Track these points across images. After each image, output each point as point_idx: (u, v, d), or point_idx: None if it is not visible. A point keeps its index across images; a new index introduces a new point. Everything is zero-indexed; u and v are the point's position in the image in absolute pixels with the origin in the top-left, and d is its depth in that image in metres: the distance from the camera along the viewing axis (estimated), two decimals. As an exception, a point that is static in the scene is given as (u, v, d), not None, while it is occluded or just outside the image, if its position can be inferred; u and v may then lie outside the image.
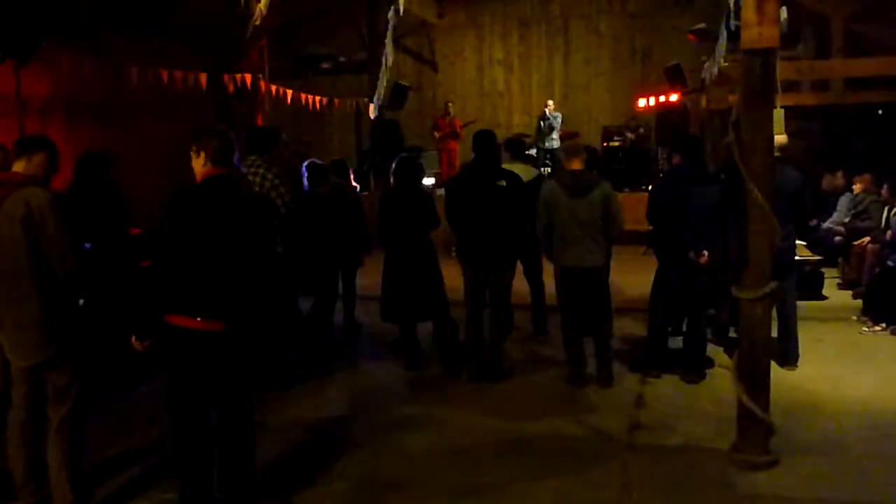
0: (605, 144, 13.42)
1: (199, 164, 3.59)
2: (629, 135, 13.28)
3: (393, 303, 6.16)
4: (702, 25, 11.47)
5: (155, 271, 3.64)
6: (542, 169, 12.53)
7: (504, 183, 5.71)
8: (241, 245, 3.52)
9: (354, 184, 8.41)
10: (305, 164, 6.84)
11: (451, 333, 6.23)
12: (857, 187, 9.06)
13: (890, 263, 7.25)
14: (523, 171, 6.52)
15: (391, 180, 6.25)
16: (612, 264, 5.97)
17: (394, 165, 6.23)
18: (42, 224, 3.57)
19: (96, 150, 5.86)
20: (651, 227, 6.04)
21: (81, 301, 3.94)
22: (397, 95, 13.32)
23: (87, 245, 4.56)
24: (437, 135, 14.17)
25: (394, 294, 6.13)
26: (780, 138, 5.36)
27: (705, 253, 5.49)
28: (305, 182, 6.73)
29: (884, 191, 8.52)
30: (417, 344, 6.29)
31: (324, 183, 6.65)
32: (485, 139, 5.89)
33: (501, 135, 14.89)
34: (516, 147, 7.15)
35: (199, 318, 3.45)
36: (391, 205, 6.12)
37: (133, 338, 3.54)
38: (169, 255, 3.52)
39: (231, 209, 3.54)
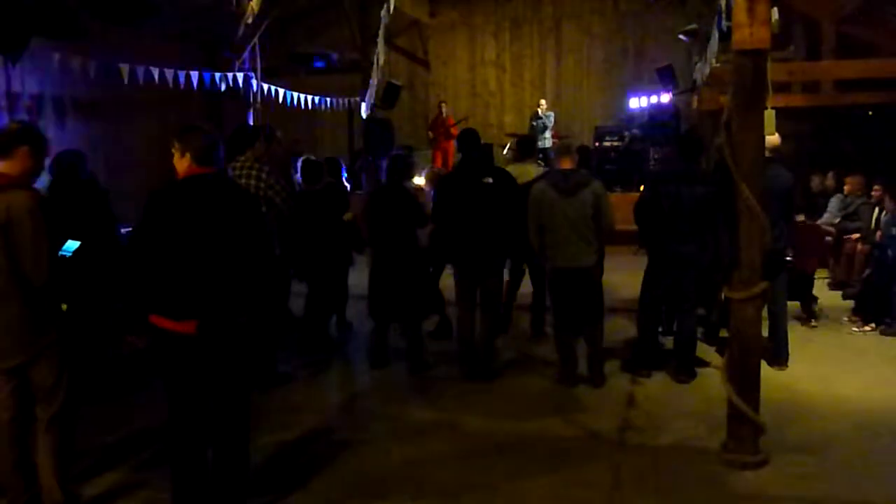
0: (596, 144, 13.45)
1: (182, 164, 3.56)
2: (626, 133, 13.32)
3: (377, 301, 6.15)
4: (693, 26, 11.51)
5: (133, 271, 3.61)
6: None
7: (490, 180, 5.71)
8: (224, 245, 3.48)
9: (346, 182, 8.39)
10: (300, 161, 6.82)
11: (420, 339, 6.18)
12: (847, 188, 9.11)
13: (889, 253, 7.27)
14: (534, 170, 6.54)
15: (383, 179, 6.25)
16: (604, 264, 5.97)
17: (385, 164, 6.22)
18: (20, 233, 3.47)
19: (68, 149, 5.77)
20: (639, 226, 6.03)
21: (65, 306, 3.86)
22: (389, 94, 13.33)
23: (77, 243, 4.50)
24: (430, 135, 14.18)
25: (377, 292, 6.12)
26: (773, 139, 5.39)
27: None
28: (299, 179, 6.71)
29: (874, 192, 8.56)
30: (387, 344, 6.26)
31: (318, 180, 6.63)
32: (469, 138, 5.90)
33: (494, 135, 15.01)
34: (525, 146, 7.14)
35: (177, 321, 3.43)
36: (378, 203, 6.12)
37: (128, 336, 3.54)
38: (145, 256, 3.51)
39: (213, 209, 3.50)
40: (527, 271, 6.99)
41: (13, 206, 3.47)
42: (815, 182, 10.21)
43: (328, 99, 13.13)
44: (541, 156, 13.31)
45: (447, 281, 6.09)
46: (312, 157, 6.93)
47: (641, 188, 7.11)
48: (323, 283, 6.57)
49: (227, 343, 3.54)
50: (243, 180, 5.44)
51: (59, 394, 3.67)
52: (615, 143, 13.41)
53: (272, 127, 6.16)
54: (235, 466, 3.68)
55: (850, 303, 7.55)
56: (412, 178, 6.41)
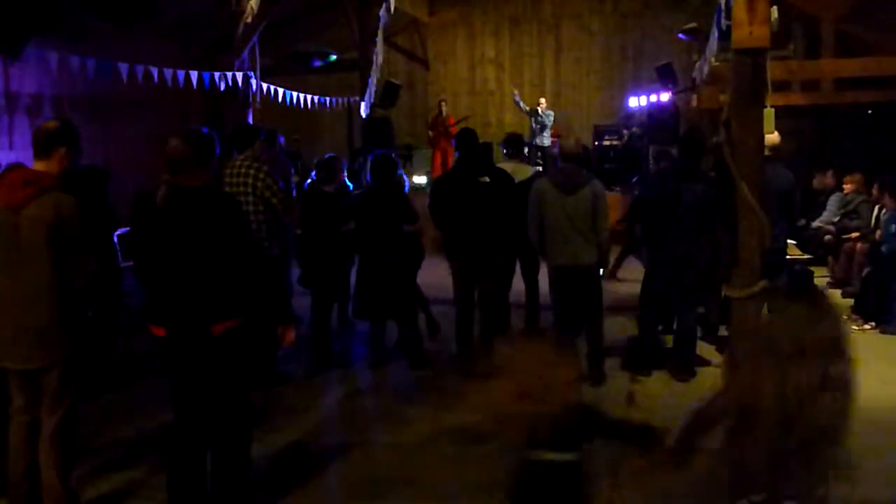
0: (595, 143, 13.46)
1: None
2: (625, 132, 13.34)
3: (363, 300, 6.13)
4: (693, 25, 11.51)
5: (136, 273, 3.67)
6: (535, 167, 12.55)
7: (487, 179, 5.70)
8: (195, 254, 3.42)
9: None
10: (321, 159, 6.74)
11: (415, 335, 6.16)
12: (847, 187, 9.10)
13: (883, 250, 7.28)
14: (520, 170, 6.53)
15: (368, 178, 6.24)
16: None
17: (370, 163, 6.21)
18: (71, 235, 3.44)
19: (95, 168, 5.70)
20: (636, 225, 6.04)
21: (90, 313, 3.87)
22: (389, 93, 13.33)
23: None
24: (431, 134, 14.18)
25: (365, 291, 6.11)
26: (773, 138, 5.38)
27: None
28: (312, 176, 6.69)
29: (874, 190, 8.56)
30: (383, 342, 6.25)
31: (331, 181, 6.59)
32: (467, 138, 5.90)
33: (493, 134, 15.03)
34: (513, 144, 7.12)
35: (154, 325, 3.46)
36: (368, 202, 6.10)
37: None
38: (136, 259, 3.56)
39: (183, 218, 3.46)
40: (519, 269, 6.96)
41: (63, 207, 3.42)
42: (817, 180, 10.20)
43: (328, 98, 13.13)
44: (540, 154, 13.37)
45: (446, 280, 6.08)
46: (327, 157, 6.86)
47: (636, 193, 7.12)
48: (330, 284, 6.51)
49: (202, 350, 3.47)
50: (241, 179, 5.43)
51: (66, 398, 3.64)
52: (614, 142, 13.44)
53: (271, 129, 6.15)
54: (233, 470, 3.64)
55: (850, 301, 7.55)
56: (395, 175, 6.35)
